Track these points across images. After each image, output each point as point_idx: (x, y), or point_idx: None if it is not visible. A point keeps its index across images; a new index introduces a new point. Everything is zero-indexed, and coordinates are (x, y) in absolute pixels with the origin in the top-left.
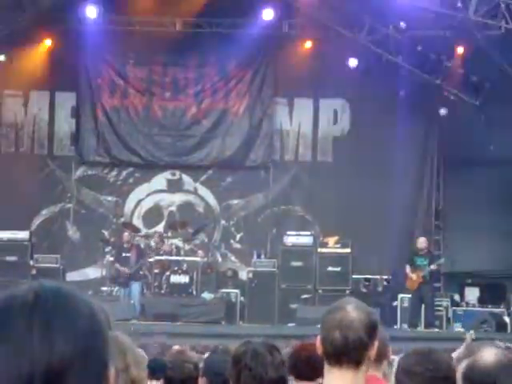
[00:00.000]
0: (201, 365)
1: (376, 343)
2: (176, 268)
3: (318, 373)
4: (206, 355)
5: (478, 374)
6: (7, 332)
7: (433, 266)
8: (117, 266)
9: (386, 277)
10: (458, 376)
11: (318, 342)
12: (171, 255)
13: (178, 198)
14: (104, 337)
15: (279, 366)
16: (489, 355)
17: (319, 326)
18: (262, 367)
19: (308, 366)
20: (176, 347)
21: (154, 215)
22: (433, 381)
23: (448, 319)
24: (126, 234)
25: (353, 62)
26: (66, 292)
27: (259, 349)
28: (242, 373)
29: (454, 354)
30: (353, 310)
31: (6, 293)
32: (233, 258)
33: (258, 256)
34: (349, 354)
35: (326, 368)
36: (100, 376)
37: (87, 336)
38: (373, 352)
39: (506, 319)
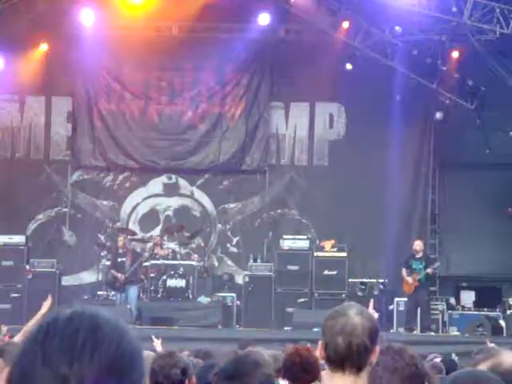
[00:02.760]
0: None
1: (377, 348)
2: (172, 272)
3: (313, 376)
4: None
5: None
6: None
7: (429, 270)
8: (112, 271)
9: (381, 280)
10: None
11: (319, 347)
12: (167, 259)
13: (175, 202)
14: (141, 350)
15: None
16: (509, 358)
17: (316, 329)
18: None
19: (303, 369)
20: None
21: (150, 219)
22: (412, 375)
23: (444, 323)
24: (120, 238)
25: (348, 66)
26: (103, 311)
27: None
28: None
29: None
30: (355, 316)
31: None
32: (229, 262)
33: (255, 260)
34: (351, 359)
35: (328, 373)
36: None
37: (128, 345)
38: (374, 357)
39: (502, 323)
